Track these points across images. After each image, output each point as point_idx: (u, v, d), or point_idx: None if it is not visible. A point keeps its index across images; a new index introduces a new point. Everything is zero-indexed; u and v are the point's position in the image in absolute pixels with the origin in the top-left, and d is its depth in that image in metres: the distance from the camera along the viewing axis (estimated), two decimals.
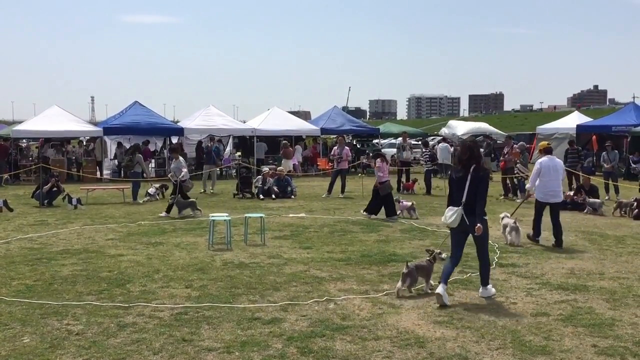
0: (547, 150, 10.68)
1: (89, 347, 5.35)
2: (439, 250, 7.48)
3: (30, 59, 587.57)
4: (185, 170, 14.92)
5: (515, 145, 18.55)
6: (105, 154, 27.35)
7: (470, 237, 7.07)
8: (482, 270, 7.10)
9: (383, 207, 13.68)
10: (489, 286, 7.08)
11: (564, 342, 5.47)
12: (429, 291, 7.09)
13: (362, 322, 6.06)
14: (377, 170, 14.07)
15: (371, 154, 15.07)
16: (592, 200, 14.51)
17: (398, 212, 13.71)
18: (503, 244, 10.17)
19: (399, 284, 7.05)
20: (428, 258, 7.39)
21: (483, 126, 37.83)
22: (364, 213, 13.86)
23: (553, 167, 10.31)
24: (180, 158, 15.44)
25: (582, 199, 14.73)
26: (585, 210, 14.35)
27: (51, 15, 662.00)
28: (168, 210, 14.20)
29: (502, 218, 10.79)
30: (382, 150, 33.73)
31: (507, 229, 10.34)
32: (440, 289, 6.68)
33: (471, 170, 6.91)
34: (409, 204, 13.85)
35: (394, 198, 13.92)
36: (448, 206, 7.08)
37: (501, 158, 19.27)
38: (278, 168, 20.08)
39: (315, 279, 7.82)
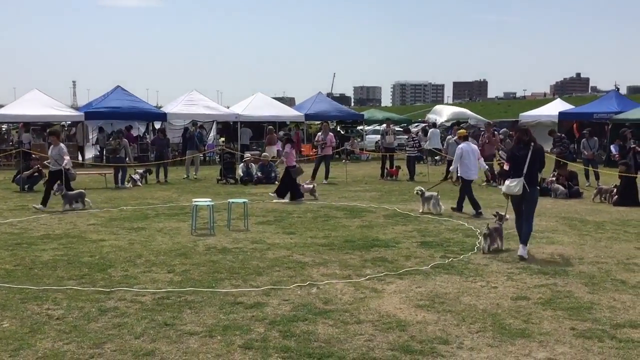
0: (464, 138, 13.04)
1: (70, 331, 5.32)
2: (504, 213, 8.92)
3: (10, 42, 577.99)
4: (67, 157, 12.82)
5: (497, 132, 18.67)
6: (87, 138, 27.04)
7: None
8: (525, 231, 8.42)
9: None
10: (527, 247, 8.34)
11: (543, 325, 5.54)
12: (503, 248, 8.64)
13: (344, 306, 6.08)
14: (285, 155, 14.56)
15: (281, 138, 15.48)
16: (555, 186, 14.91)
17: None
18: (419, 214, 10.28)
19: (483, 244, 8.61)
20: (496, 221, 8.83)
21: (466, 112, 38.30)
22: (273, 194, 14.39)
23: (471, 150, 12.39)
24: (61, 144, 13.07)
25: (549, 181, 15.06)
26: (552, 195, 14.67)
27: (32, 0, 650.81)
28: (44, 203, 12.42)
29: (422, 193, 12.47)
30: (366, 136, 33.96)
31: (432, 201, 12.23)
32: (522, 251, 8.22)
33: (532, 147, 8.46)
34: (311, 186, 14.70)
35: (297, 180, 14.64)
36: (507, 178, 8.58)
37: (479, 143, 19.37)
38: (262, 154, 20.02)
39: (298, 264, 7.83)
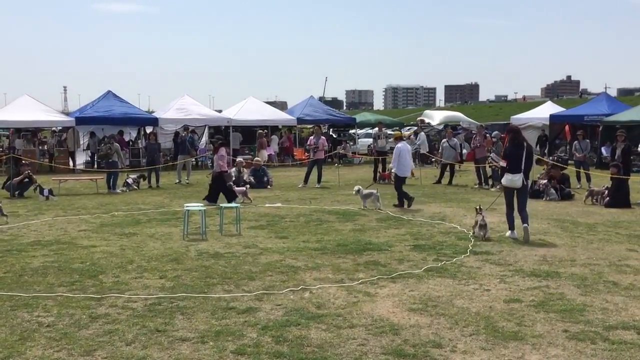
0: (400, 138, 14.53)
1: (60, 338, 5.26)
2: (483, 207, 10.09)
3: (0, 47, 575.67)
4: None
5: (489, 135, 18.71)
6: (78, 144, 26.93)
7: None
8: (525, 215, 9.73)
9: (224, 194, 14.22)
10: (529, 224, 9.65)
11: (536, 327, 5.54)
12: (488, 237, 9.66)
13: (337, 310, 6.06)
14: (219, 158, 14.35)
15: (214, 142, 15.26)
16: (551, 191, 14.92)
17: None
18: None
19: (481, 233, 9.63)
20: (479, 213, 9.80)
21: (457, 115, 38.66)
22: (205, 201, 13.98)
23: (407, 150, 14.09)
24: None
25: (543, 184, 15.05)
26: (544, 198, 14.69)
27: (23, 4, 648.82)
28: None
29: (358, 190, 13.46)
30: (358, 139, 33.96)
31: (372, 197, 13.22)
32: (511, 234, 9.72)
33: (525, 146, 9.72)
34: (244, 189, 14.88)
35: (227, 184, 14.62)
36: (506, 173, 9.75)
37: (471, 147, 19.45)
38: (255, 159, 19.98)
39: (291, 268, 7.80)
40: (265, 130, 24.09)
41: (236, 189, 14.67)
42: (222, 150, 14.59)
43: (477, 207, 10.11)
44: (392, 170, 13.95)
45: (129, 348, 5.05)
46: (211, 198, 14.20)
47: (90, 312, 5.99)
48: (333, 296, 6.56)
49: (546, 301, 6.33)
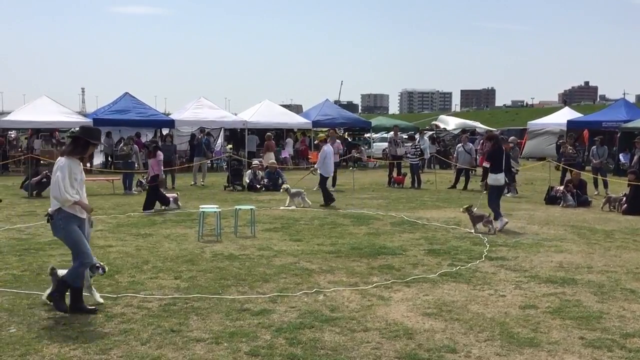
0: (325, 140, 15.61)
1: (76, 337, 5.31)
2: (473, 206, 11.18)
3: (20, 49, 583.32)
4: None
5: (506, 139, 18.61)
6: None
7: None
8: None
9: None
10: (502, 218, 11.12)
11: (552, 334, 5.49)
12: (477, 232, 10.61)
13: (351, 313, 6.05)
14: (157, 164, 13.77)
15: (150, 148, 14.43)
16: (568, 197, 14.77)
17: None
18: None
19: (480, 226, 10.70)
20: (471, 210, 10.89)
21: (468, 122, 38.99)
22: (144, 212, 13.30)
23: (331, 152, 15.18)
24: None
25: (560, 192, 14.89)
26: (561, 204, 14.57)
27: (41, 7, 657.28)
28: None
29: (287, 189, 14.38)
30: (373, 143, 33.93)
31: (299, 197, 14.22)
32: (500, 224, 10.93)
33: (504, 150, 11.62)
34: (175, 195, 14.57)
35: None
36: (490, 173, 11.33)
37: (479, 152, 19.36)
38: (270, 162, 20.00)
39: (305, 271, 7.81)
40: (269, 133, 24.11)
41: (168, 195, 14.11)
42: (160, 155, 13.92)
43: (469, 206, 11.11)
44: (318, 171, 15.08)
45: (144, 347, 5.09)
46: (148, 206, 13.46)
47: (106, 312, 6.04)
48: (347, 299, 6.55)
49: (562, 308, 6.28)
